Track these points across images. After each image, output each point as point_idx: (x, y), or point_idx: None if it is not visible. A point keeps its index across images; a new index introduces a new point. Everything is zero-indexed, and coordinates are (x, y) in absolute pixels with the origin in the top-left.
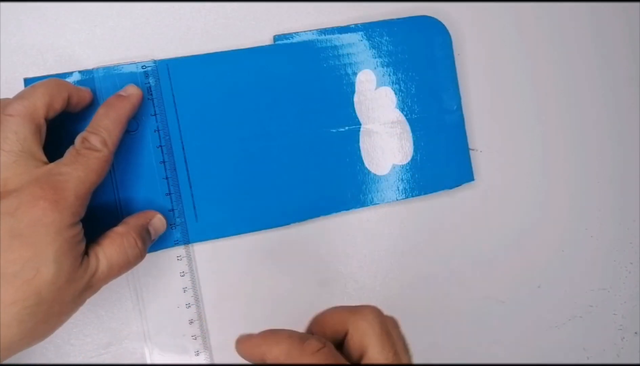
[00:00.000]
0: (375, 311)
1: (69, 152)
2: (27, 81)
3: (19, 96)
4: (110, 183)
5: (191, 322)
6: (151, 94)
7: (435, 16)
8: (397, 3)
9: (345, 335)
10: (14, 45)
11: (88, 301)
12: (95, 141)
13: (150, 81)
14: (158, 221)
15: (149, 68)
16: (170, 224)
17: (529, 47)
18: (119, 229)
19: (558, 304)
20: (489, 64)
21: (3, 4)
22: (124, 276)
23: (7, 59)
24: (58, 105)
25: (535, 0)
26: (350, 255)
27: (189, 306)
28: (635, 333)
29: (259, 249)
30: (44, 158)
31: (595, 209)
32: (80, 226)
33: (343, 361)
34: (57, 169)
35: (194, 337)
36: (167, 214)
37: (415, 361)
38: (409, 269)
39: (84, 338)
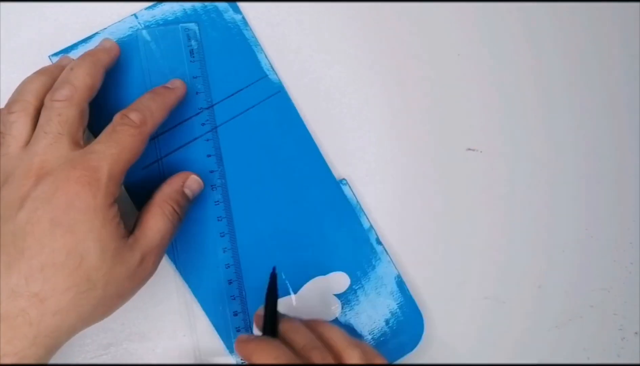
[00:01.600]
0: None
1: (106, 129)
2: (51, 57)
3: (64, 80)
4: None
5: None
6: (193, 57)
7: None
8: None
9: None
10: (14, 45)
11: None
12: (134, 116)
13: (193, 44)
14: (193, 182)
15: (191, 30)
16: (211, 185)
17: (530, 46)
18: (156, 199)
19: (558, 304)
20: (489, 63)
21: (3, 4)
22: None
23: (7, 59)
24: (98, 83)
25: (540, 0)
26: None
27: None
28: (636, 333)
29: None
30: (82, 143)
31: (595, 209)
32: (116, 207)
33: None
34: (90, 148)
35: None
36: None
37: (415, 361)
38: (409, 269)
39: (84, 339)
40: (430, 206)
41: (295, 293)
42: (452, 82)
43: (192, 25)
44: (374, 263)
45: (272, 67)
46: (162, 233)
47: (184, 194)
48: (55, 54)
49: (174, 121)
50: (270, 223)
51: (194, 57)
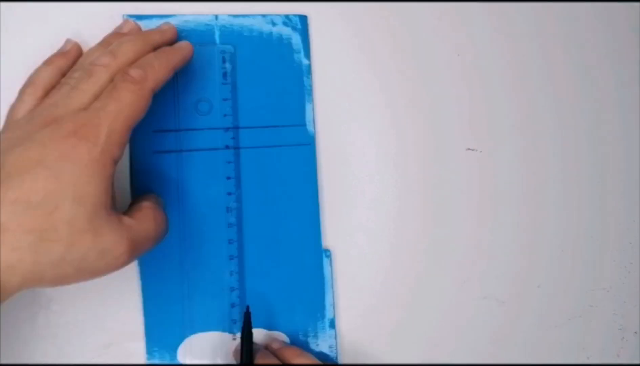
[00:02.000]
0: None
1: (107, 88)
2: (125, 17)
3: (108, 50)
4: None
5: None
6: (226, 79)
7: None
8: None
9: None
10: (14, 45)
11: (90, 299)
12: (134, 73)
13: (227, 66)
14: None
15: (227, 53)
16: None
17: (530, 46)
18: (148, 203)
19: (558, 304)
20: (489, 63)
21: (3, 4)
22: (125, 276)
23: (7, 59)
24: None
25: (540, 0)
26: (351, 255)
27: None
28: (635, 333)
29: None
30: None
31: (595, 209)
32: (110, 170)
33: None
34: (93, 105)
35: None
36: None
37: (415, 361)
38: (409, 270)
39: (85, 339)
40: (430, 205)
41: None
42: (452, 82)
43: (229, 48)
44: (319, 341)
45: (313, 119)
46: (153, 224)
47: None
48: (130, 16)
49: (199, 136)
50: (263, 256)
51: (226, 79)
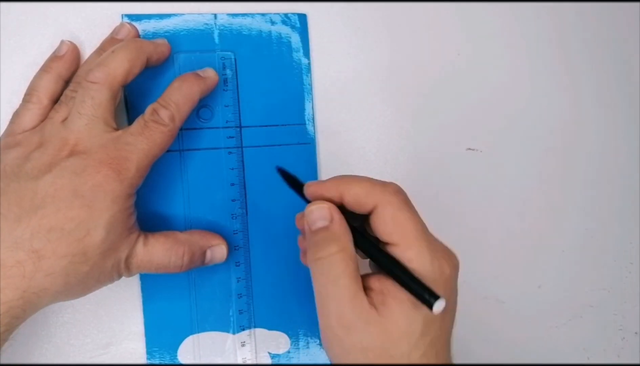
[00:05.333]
0: (401, 190)
1: (137, 122)
2: (125, 17)
3: (101, 62)
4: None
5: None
6: (227, 86)
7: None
8: None
9: (373, 208)
10: (14, 45)
11: (89, 299)
12: (164, 114)
13: (227, 73)
14: (219, 250)
15: (227, 59)
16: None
17: (530, 46)
18: (180, 236)
19: (558, 304)
20: (489, 63)
21: (3, 4)
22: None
23: (7, 59)
24: (137, 69)
25: (540, 0)
26: None
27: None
28: (636, 333)
29: None
30: (114, 124)
31: (596, 209)
32: (134, 199)
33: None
34: (124, 138)
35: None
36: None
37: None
38: None
39: (83, 338)
40: (430, 205)
41: (235, 333)
42: (452, 82)
43: (229, 54)
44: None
45: (313, 118)
46: (155, 262)
47: (203, 255)
48: (129, 16)
49: (201, 143)
50: (277, 257)
51: (227, 86)
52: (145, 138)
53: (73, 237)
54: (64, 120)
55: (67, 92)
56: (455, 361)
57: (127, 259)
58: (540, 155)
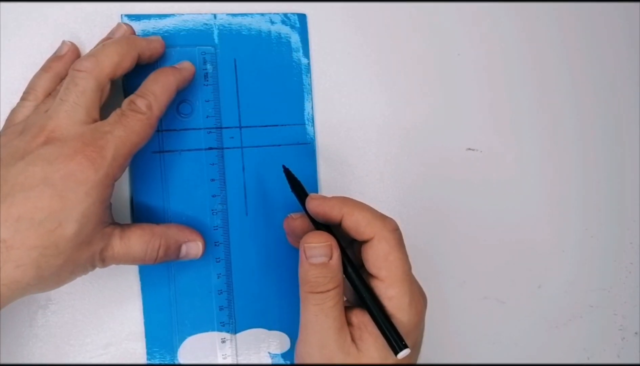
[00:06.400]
0: (398, 228)
1: (115, 113)
2: (124, 17)
3: (90, 53)
4: (159, 167)
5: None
6: (207, 80)
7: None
8: None
9: (369, 238)
10: (14, 46)
11: (88, 299)
12: (140, 103)
13: (208, 68)
14: (194, 246)
15: (208, 54)
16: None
17: (530, 46)
18: (156, 229)
19: (558, 304)
20: (489, 63)
21: (3, 4)
22: (124, 277)
23: (7, 59)
24: (127, 64)
25: (540, 0)
26: None
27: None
28: (636, 333)
29: None
30: (97, 116)
31: (595, 209)
32: (111, 190)
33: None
34: (101, 127)
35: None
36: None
37: (417, 361)
38: None
39: (83, 338)
40: (430, 205)
41: (233, 333)
42: (452, 82)
43: (209, 49)
44: None
45: (313, 118)
46: (132, 256)
47: (178, 249)
48: (128, 16)
49: (182, 137)
50: (258, 255)
51: (207, 80)
52: (123, 126)
53: (43, 228)
54: (48, 109)
55: (58, 87)
56: (457, 362)
57: (102, 252)
58: (540, 155)
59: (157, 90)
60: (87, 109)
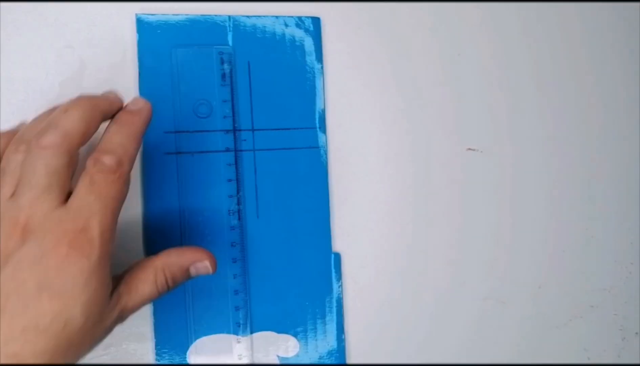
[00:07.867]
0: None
1: (82, 180)
2: (139, 17)
3: (54, 124)
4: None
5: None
6: (225, 81)
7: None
8: None
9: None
10: (14, 45)
11: None
12: (109, 160)
13: (225, 68)
14: (202, 267)
15: (225, 54)
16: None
17: (530, 46)
18: (157, 262)
19: (558, 304)
20: (489, 63)
21: (3, 4)
22: None
23: (7, 59)
24: (93, 129)
25: (540, 0)
26: (351, 255)
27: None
28: (636, 333)
29: None
30: (70, 188)
31: (595, 209)
32: (108, 265)
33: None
34: (74, 204)
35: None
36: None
37: (417, 361)
38: (409, 270)
39: None
40: (430, 205)
41: (248, 334)
42: (452, 82)
43: (228, 48)
44: (326, 342)
45: (325, 122)
46: (147, 300)
47: (186, 272)
48: (143, 15)
49: (200, 137)
50: (271, 258)
51: (225, 81)
52: (96, 196)
53: (51, 332)
54: (13, 194)
55: (9, 156)
56: (457, 362)
57: (116, 318)
58: (540, 155)
59: (124, 140)
60: (61, 188)
